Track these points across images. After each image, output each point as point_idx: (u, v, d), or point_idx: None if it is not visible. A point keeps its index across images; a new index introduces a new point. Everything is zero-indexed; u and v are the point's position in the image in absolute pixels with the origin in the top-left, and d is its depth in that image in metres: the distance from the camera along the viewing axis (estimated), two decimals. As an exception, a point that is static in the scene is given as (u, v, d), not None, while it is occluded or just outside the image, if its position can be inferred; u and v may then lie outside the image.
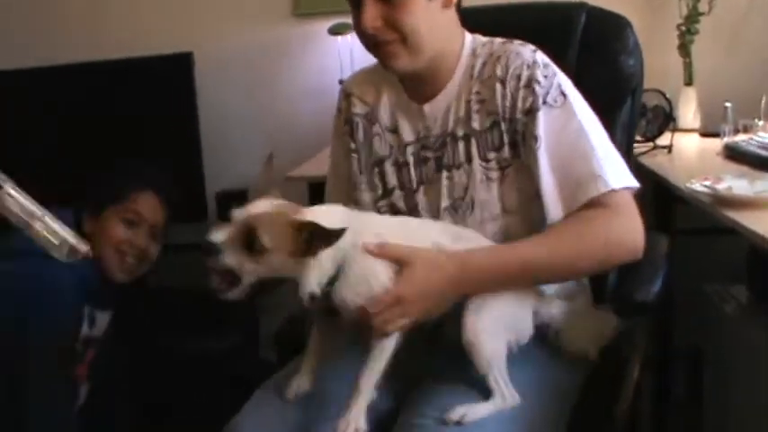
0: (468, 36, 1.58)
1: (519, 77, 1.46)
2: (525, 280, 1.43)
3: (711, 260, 2.54)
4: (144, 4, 3.32)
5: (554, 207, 1.44)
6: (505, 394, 1.39)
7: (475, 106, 1.50)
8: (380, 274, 1.35)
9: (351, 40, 3.04)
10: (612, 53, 1.84)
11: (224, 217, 1.34)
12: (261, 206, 1.34)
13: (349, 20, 2.94)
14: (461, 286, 1.38)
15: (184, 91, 3.07)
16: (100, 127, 3.13)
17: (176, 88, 3.09)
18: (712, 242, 2.43)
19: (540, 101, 1.44)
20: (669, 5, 2.82)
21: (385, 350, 1.36)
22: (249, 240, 1.29)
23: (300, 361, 1.48)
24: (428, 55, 1.49)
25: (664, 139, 2.55)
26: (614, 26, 1.87)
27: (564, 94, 1.46)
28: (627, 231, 1.42)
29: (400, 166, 1.58)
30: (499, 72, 1.48)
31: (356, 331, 1.39)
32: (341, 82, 3.05)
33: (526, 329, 1.45)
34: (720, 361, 2.25)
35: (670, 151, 2.50)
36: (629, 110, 1.85)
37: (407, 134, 1.57)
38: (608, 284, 1.75)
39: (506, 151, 1.48)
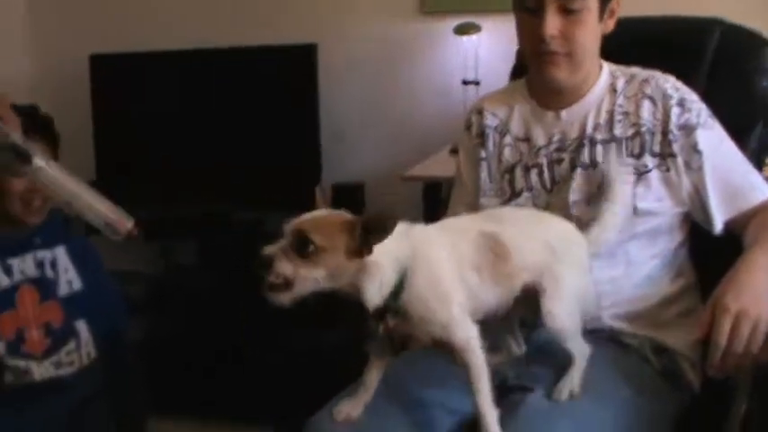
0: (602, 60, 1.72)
1: (671, 96, 1.62)
2: None
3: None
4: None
5: (717, 212, 1.60)
6: (583, 351, 1.48)
7: (618, 116, 1.65)
8: (446, 282, 1.35)
9: (476, 41, 3.01)
10: (746, 73, 1.77)
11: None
12: (308, 215, 1.33)
13: (475, 20, 2.98)
14: None
15: (307, 82, 3.10)
16: (222, 111, 3.21)
17: (299, 79, 3.12)
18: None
19: (695, 120, 1.59)
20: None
21: (480, 367, 1.35)
22: (301, 245, 1.27)
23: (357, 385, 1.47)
24: (583, 73, 1.64)
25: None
26: (750, 45, 1.80)
27: (713, 118, 1.62)
28: None
29: (529, 170, 1.71)
30: (649, 91, 1.64)
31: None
32: (464, 83, 3.05)
33: (592, 297, 1.54)
34: None
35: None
36: (758, 135, 1.77)
37: (540, 139, 1.71)
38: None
39: (647, 159, 1.61)
